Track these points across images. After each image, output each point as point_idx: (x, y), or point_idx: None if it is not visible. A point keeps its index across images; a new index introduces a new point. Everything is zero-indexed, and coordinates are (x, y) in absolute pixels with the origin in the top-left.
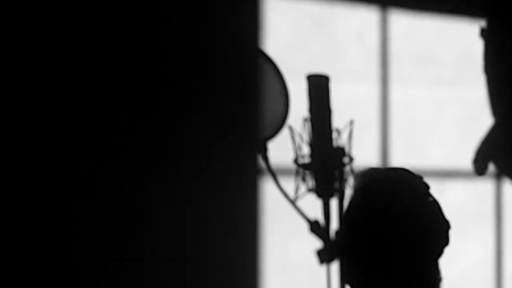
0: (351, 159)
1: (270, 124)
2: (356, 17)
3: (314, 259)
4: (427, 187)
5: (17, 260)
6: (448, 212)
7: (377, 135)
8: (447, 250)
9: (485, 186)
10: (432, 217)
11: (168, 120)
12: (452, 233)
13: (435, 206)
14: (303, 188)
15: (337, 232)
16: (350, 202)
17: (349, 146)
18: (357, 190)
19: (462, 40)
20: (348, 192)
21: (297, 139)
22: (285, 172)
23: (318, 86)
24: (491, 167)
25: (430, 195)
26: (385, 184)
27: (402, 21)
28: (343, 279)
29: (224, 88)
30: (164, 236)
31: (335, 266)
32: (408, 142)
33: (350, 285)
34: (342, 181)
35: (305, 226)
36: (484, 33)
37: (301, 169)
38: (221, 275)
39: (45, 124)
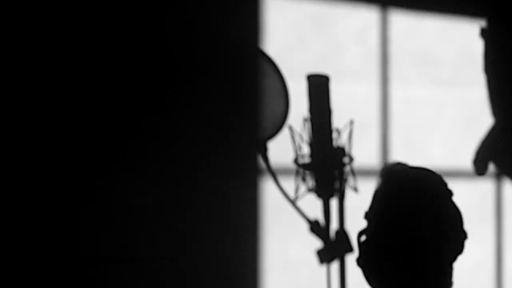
0: (351, 159)
1: (270, 124)
2: (356, 17)
3: (314, 259)
4: (451, 193)
5: (17, 260)
6: None
7: (377, 135)
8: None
9: (485, 186)
10: (454, 223)
11: (168, 120)
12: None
13: (458, 213)
14: (303, 188)
15: (365, 227)
16: (375, 198)
17: (349, 146)
18: (383, 186)
19: (462, 40)
20: (375, 185)
21: (297, 139)
22: (285, 172)
23: (318, 86)
24: (491, 167)
25: (453, 202)
26: (413, 184)
27: (402, 21)
28: (363, 272)
29: (224, 88)
30: (164, 236)
31: (335, 266)
32: (408, 142)
33: (367, 281)
34: (342, 181)
35: (305, 226)
36: (484, 33)
37: (301, 169)
38: (221, 275)
39: (46, 124)
